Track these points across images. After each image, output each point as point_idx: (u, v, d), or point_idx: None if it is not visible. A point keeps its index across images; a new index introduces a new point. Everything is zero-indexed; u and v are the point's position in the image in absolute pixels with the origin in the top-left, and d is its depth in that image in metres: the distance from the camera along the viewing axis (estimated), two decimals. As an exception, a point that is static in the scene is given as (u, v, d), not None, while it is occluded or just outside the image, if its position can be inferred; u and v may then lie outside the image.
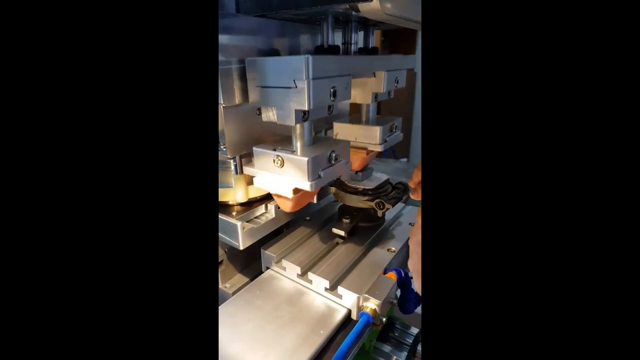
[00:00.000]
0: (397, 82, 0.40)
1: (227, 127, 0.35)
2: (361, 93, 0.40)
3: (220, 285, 0.45)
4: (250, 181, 0.42)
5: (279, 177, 0.32)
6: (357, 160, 0.44)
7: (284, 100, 0.28)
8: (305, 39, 0.40)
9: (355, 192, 0.46)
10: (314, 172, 0.30)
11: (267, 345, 0.32)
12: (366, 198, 0.45)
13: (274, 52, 0.36)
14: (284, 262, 0.41)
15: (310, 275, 0.38)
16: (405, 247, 0.48)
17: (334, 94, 0.29)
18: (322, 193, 0.50)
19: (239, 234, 0.37)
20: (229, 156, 0.36)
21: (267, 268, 0.44)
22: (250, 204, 0.42)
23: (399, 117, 0.46)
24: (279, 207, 0.42)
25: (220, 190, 0.41)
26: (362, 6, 0.25)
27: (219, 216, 0.39)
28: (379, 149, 0.42)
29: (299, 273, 0.40)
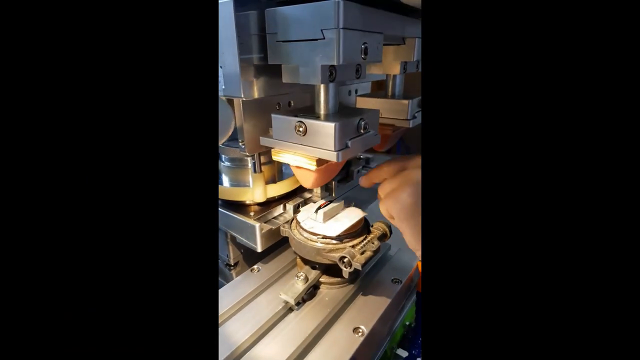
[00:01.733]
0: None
1: (246, 123, 0.33)
2: (388, 62, 0.36)
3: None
4: (269, 180, 0.40)
5: (301, 147, 0.28)
6: (381, 138, 0.38)
7: (309, 55, 0.24)
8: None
9: (313, 239, 0.33)
10: (341, 141, 0.27)
11: None
12: (328, 249, 0.32)
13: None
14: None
15: None
16: (379, 323, 0.34)
17: (365, 52, 0.25)
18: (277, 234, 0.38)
19: (257, 235, 0.36)
20: (247, 153, 0.34)
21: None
22: (268, 204, 0.40)
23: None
24: (298, 207, 0.40)
25: (237, 189, 0.39)
26: (403, -10, 0.23)
27: (236, 216, 0.38)
28: (407, 124, 0.37)
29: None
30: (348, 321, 0.32)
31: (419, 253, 0.31)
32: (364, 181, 0.37)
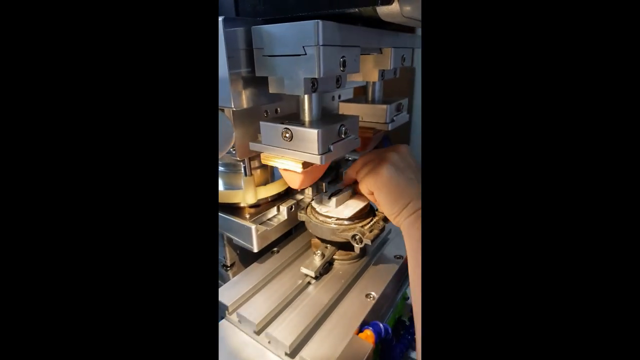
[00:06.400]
0: (404, 60, 0.39)
1: (237, 130, 0.35)
2: (367, 69, 0.39)
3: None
4: (261, 183, 0.42)
5: (288, 152, 0.31)
6: (362, 141, 0.40)
7: (293, 69, 0.27)
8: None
9: (328, 221, 0.39)
10: (324, 145, 0.29)
11: None
12: (341, 229, 0.38)
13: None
14: (240, 313, 0.34)
15: (269, 333, 0.32)
16: (387, 290, 0.39)
17: (344, 64, 0.28)
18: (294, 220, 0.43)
19: (253, 237, 0.38)
20: (238, 159, 0.37)
21: (222, 317, 0.37)
22: (260, 206, 0.42)
23: (406, 97, 0.44)
24: (291, 209, 0.42)
25: (230, 192, 0.41)
26: (381, 9, 0.25)
27: (232, 218, 0.40)
28: (386, 128, 0.40)
29: (255, 330, 0.33)
30: (360, 289, 0.38)
31: (393, 218, 0.35)
32: (345, 179, 0.41)
